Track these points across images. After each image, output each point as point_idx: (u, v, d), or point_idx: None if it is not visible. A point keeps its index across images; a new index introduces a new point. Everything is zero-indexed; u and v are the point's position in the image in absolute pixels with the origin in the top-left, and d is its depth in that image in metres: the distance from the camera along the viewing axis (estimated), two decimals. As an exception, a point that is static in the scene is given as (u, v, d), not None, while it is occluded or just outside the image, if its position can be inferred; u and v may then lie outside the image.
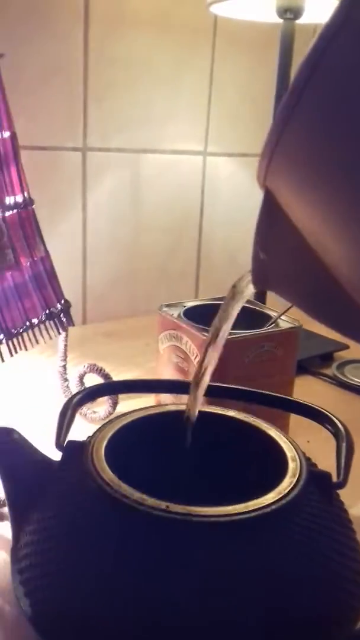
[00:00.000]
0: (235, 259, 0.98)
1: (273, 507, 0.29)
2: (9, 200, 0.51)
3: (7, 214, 0.50)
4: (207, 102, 0.90)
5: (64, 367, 0.59)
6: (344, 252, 0.23)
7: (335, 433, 0.37)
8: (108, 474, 0.31)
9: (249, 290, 0.32)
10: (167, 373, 0.55)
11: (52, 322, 0.54)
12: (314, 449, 0.55)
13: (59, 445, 0.35)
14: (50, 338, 0.54)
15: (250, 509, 0.29)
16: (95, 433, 0.35)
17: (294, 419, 0.56)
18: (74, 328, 0.86)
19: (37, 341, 0.52)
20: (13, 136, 0.50)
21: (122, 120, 0.83)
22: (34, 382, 0.66)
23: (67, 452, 0.34)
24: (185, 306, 0.56)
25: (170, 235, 0.93)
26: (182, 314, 0.54)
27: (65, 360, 0.59)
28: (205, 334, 0.50)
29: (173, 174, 0.90)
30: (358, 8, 0.21)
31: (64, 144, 0.80)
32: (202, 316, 0.55)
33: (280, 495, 0.30)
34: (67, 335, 0.58)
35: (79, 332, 0.86)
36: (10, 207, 0.50)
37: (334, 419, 0.38)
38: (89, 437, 0.35)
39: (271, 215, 0.25)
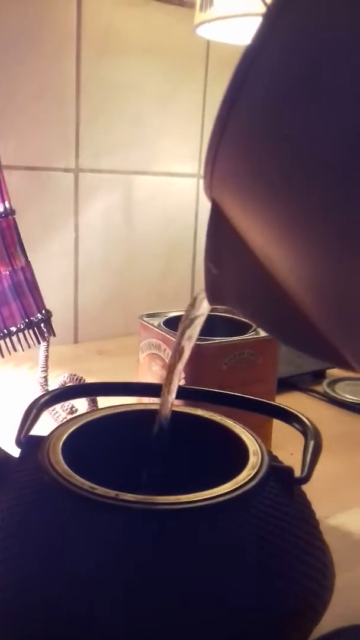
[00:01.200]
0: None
1: (226, 497, 0.28)
2: (-11, 209, 0.51)
3: (-13, 222, 0.51)
4: (201, 124, 0.92)
5: (45, 378, 0.59)
6: (291, 267, 0.23)
7: (304, 431, 0.37)
8: (61, 465, 0.31)
9: (204, 308, 0.32)
10: (146, 380, 0.54)
11: (31, 331, 0.55)
12: (297, 461, 0.54)
13: (17, 441, 0.34)
14: (29, 347, 0.54)
15: (201, 497, 0.28)
16: (56, 428, 0.35)
17: (277, 431, 0.55)
18: (65, 347, 0.86)
19: (14, 349, 0.52)
20: (-7, 146, 0.51)
21: (114, 141, 0.85)
22: (14, 392, 0.66)
23: (25, 447, 0.34)
24: (166, 316, 0.56)
25: (164, 256, 0.94)
26: (162, 323, 0.54)
27: (46, 371, 0.59)
28: (182, 340, 0.50)
29: (166, 195, 0.91)
30: None
31: (55, 164, 0.81)
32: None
33: (236, 486, 0.29)
34: (48, 346, 0.58)
35: (71, 350, 0.86)
36: (-10, 216, 0.51)
37: (302, 417, 0.37)
38: (49, 432, 0.35)
39: (219, 227, 0.25)
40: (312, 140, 0.19)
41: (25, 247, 0.79)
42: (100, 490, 0.29)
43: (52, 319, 0.85)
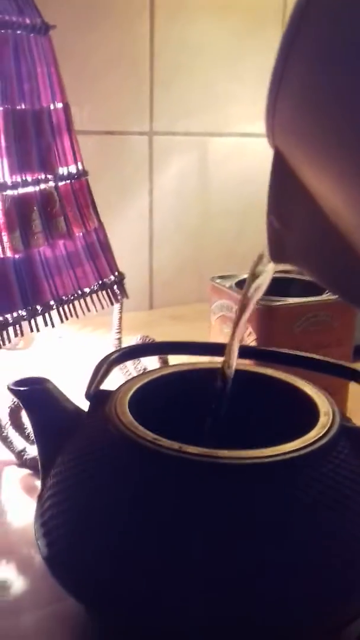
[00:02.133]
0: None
1: (293, 454, 0.28)
2: (63, 170, 0.52)
3: (61, 184, 0.51)
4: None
5: (119, 339, 0.59)
6: (357, 219, 0.21)
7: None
8: (127, 417, 0.31)
9: (268, 267, 0.30)
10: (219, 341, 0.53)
11: (104, 292, 0.55)
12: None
13: (87, 395, 0.35)
14: (103, 308, 0.55)
15: (266, 454, 0.27)
16: (124, 382, 0.35)
17: (355, 399, 0.53)
18: (140, 312, 0.87)
19: (88, 310, 0.53)
20: (66, 107, 0.51)
21: (188, 104, 0.83)
22: (90, 354, 0.67)
23: (94, 400, 0.34)
24: (238, 278, 0.55)
25: (239, 217, 0.92)
26: (234, 285, 0.53)
27: (120, 332, 0.59)
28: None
29: (241, 156, 0.89)
30: None
31: (130, 128, 0.81)
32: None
33: (304, 444, 0.28)
34: (121, 308, 0.58)
35: (145, 316, 0.87)
36: (63, 178, 0.52)
37: (378, 378, 0.36)
38: (118, 387, 0.35)
39: (283, 178, 0.24)
40: None
41: (100, 212, 0.80)
42: (165, 442, 0.28)
43: (127, 284, 0.86)
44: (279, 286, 0.56)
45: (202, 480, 0.27)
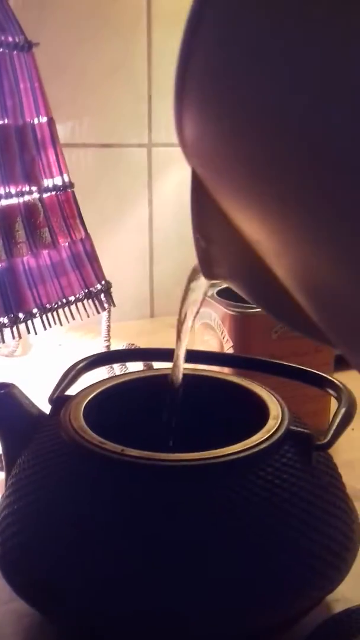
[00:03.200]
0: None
1: (231, 457, 0.28)
2: (47, 182, 0.53)
3: (45, 195, 0.53)
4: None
5: (108, 347, 0.60)
6: (272, 249, 0.21)
7: (338, 396, 0.35)
8: (78, 422, 0.32)
9: (202, 283, 0.31)
10: (200, 349, 0.54)
11: (90, 301, 0.56)
12: (358, 437, 0.52)
13: (49, 399, 0.36)
14: (88, 316, 0.56)
15: (206, 456, 0.28)
16: (84, 388, 0.36)
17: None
18: (141, 320, 0.88)
19: (73, 318, 0.54)
20: (50, 121, 0.53)
21: (187, 115, 0.85)
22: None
23: (54, 405, 0.35)
24: (221, 286, 0.56)
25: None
26: (215, 293, 0.54)
27: (108, 340, 0.60)
28: (231, 308, 0.49)
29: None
30: None
31: (129, 140, 0.83)
32: (238, 296, 0.54)
33: (245, 447, 0.29)
34: (109, 316, 0.59)
35: (147, 324, 0.88)
36: (48, 189, 0.53)
37: (337, 382, 0.36)
38: (78, 392, 0.36)
39: (201, 199, 0.24)
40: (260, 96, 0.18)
41: (100, 223, 0.82)
42: (109, 445, 0.29)
43: (129, 293, 0.87)
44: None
45: (141, 482, 0.28)
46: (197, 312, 0.34)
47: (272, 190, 0.19)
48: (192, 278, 0.30)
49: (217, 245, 0.25)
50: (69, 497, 0.29)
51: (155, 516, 0.27)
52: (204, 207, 0.24)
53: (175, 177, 0.86)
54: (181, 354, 0.34)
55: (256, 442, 0.29)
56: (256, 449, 0.29)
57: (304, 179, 0.18)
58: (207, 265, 0.26)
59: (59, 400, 0.35)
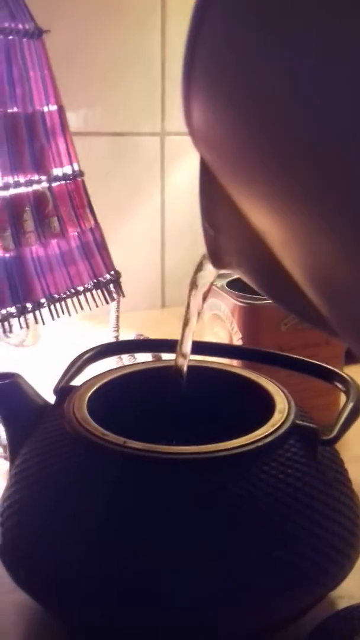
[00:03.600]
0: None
1: (234, 451, 0.28)
2: (57, 171, 0.53)
3: (54, 184, 0.52)
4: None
5: (117, 337, 0.60)
6: (279, 238, 0.21)
7: (346, 391, 0.35)
8: (82, 412, 0.31)
9: (210, 272, 0.30)
10: (208, 340, 0.54)
11: (99, 291, 0.56)
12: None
13: (54, 390, 0.35)
14: (97, 306, 0.56)
15: (208, 449, 0.28)
16: (90, 379, 0.36)
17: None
18: (152, 311, 0.88)
19: (82, 308, 0.54)
20: (60, 109, 0.52)
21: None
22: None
23: (59, 395, 0.35)
24: (232, 277, 0.55)
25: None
26: (225, 285, 0.53)
27: (117, 330, 0.60)
28: (240, 299, 0.49)
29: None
30: None
31: (142, 129, 0.82)
32: (248, 287, 0.53)
33: (249, 441, 0.28)
34: (118, 306, 0.59)
35: (157, 314, 0.87)
36: (57, 178, 0.53)
37: (346, 376, 0.35)
38: (83, 382, 0.36)
39: (209, 186, 0.23)
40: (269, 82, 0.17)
41: (112, 212, 0.81)
42: (111, 437, 0.29)
43: (140, 283, 0.86)
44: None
45: (143, 475, 0.28)
46: (205, 300, 0.34)
47: (279, 179, 0.19)
48: (199, 268, 0.29)
49: (225, 233, 0.25)
50: (70, 488, 0.29)
51: (157, 509, 0.27)
52: (212, 195, 0.23)
53: (188, 166, 0.85)
54: (186, 344, 0.33)
55: (261, 436, 0.29)
56: (260, 443, 0.28)
57: (310, 169, 0.17)
58: (215, 254, 0.26)
59: (63, 390, 0.35)
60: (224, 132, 0.21)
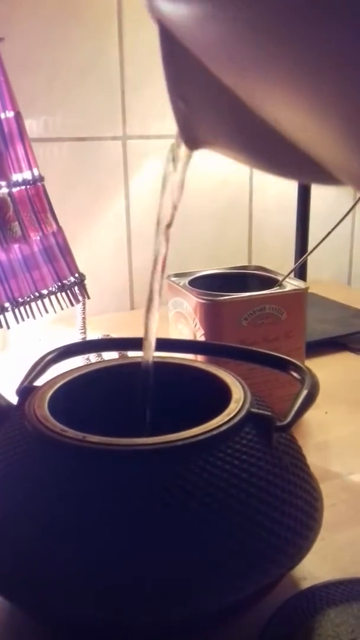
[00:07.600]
0: (291, 243, 0.96)
1: (188, 440, 0.29)
2: (17, 177, 0.53)
3: (15, 189, 0.53)
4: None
5: (83, 339, 0.61)
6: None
7: (301, 379, 0.36)
8: (42, 410, 0.32)
9: (184, 154, 0.28)
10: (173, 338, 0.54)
11: (64, 294, 0.56)
12: (331, 420, 0.53)
13: (17, 390, 0.36)
14: (62, 309, 0.56)
15: (164, 440, 0.28)
16: (52, 378, 0.36)
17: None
18: (121, 313, 0.89)
19: (46, 311, 0.54)
20: (17, 115, 0.53)
21: (161, 106, 0.85)
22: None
23: (21, 395, 0.35)
24: (192, 276, 0.56)
25: (218, 219, 0.93)
26: (187, 283, 0.54)
27: (84, 332, 0.60)
28: (202, 297, 0.50)
29: (215, 157, 0.90)
30: None
31: (104, 133, 0.83)
32: (210, 285, 0.54)
33: (203, 430, 0.29)
34: (84, 308, 0.60)
35: (127, 316, 0.88)
36: (17, 184, 0.53)
37: (300, 365, 0.37)
38: (45, 382, 0.36)
39: (173, 54, 0.21)
40: None
41: (77, 216, 0.82)
42: (70, 432, 0.30)
43: (109, 285, 0.87)
44: (236, 283, 0.57)
45: (103, 467, 0.28)
46: (176, 209, 0.31)
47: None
48: (172, 156, 0.28)
49: (197, 103, 0.22)
50: (32, 485, 0.29)
51: (117, 500, 0.28)
52: (177, 62, 0.21)
53: (151, 169, 0.86)
54: (152, 339, 0.34)
55: (216, 425, 0.30)
56: (216, 432, 0.29)
57: None
58: (188, 131, 0.23)
59: (25, 390, 0.35)
60: None
